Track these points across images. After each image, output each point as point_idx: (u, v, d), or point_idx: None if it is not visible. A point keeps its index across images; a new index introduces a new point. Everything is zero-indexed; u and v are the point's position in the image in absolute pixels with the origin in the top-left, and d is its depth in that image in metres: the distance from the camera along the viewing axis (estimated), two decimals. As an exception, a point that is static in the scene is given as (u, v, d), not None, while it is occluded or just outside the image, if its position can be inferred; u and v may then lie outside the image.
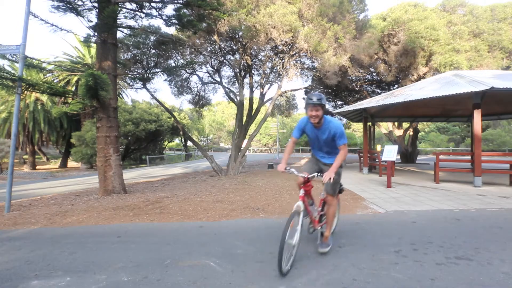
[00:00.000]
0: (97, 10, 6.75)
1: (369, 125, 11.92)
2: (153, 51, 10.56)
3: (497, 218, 4.37)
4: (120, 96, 23.67)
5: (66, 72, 15.82)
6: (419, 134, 25.98)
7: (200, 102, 14.70)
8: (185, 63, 10.79)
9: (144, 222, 4.66)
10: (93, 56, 20.49)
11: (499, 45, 13.12)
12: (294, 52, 10.66)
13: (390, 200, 5.85)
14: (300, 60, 12.20)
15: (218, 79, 13.13)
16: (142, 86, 10.06)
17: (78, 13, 6.37)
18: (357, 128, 38.56)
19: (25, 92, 9.06)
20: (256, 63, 12.97)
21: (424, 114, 13.21)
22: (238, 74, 12.26)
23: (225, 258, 3.01)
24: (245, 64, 11.76)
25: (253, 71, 12.86)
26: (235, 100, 12.56)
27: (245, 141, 12.59)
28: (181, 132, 21.57)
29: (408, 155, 16.03)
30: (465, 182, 7.84)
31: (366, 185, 7.82)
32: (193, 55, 11.83)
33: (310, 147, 3.29)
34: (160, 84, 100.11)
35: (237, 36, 11.02)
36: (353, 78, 15.51)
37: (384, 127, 16.29)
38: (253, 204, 5.61)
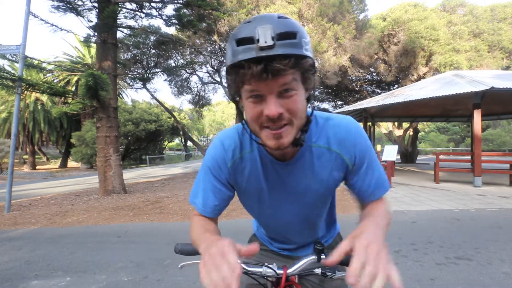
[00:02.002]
0: (97, 10, 6.76)
1: (369, 125, 11.92)
2: (153, 51, 10.58)
3: (497, 218, 4.37)
4: (120, 96, 23.66)
5: (66, 72, 15.82)
6: (419, 134, 25.99)
7: (200, 102, 14.73)
8: (185, 63, 10.81)
9: (144, 222, 4.66)
10: (93, 56, 20.48)
11: (499, 45, 13.13)
12: (294, 52, 10.68)
13: (390, 200, 5.85)
14: (300, 60, 12.22)
15: (218, 79, 13.15)
16: (142, 86, 10.07)
17: (78, 13, 6.37)
18: (357, 128, 38.49)
19: (25, 92, 9.06)
20: (256, 63, 12.99)
21: (424, 114, 13.21)
22: (238, 74, 12.29)
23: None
24: (245, 64, 11.78)
25: (253, 71, 12.88)
26: (235, 100, 12.58)
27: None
28: (181, 132, 21.58)
29: (408, 155, 16.02)
30: (465, 182, 7.83)
31: (366, 185, 7.81)
32: (193, 55, 11.85)
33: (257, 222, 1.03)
34: (160, 84, 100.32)
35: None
36: (353, 78, 15.53)
37: (384, 127, 16.29)
38: (253, 204, 5.61)
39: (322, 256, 0.70)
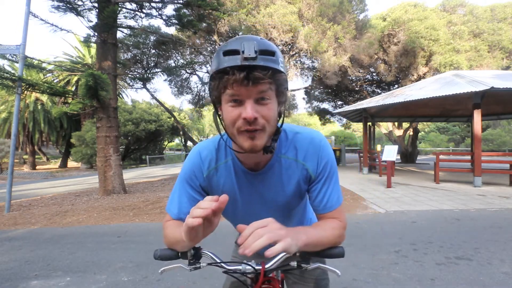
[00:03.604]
0: (97, 10, 6.75)
1: (369, 125, 11.92)
2: (153, 51, 10.58)
3: (497, 218, 4.37)
4: (120, 96, 23.65)
5: (66, 72, 15.82)
6: (419, 134, 25.98)
7: (200, 102, 14.73)
8: (185, 63, 10.81)
9: (144, 222, 4.66)
10: (93, 56, 20.48)
11: (499, 45, 13.13)
12: (294, 52, 10.67)
13: (390, 200, 5.85)
14: (300, 60, 12.22)
15: (218, 79, 13.16)
16: (142, 86, 10.07)
17: (78, 13, 6.37)
18: (357, 128, 38.57)
19: (25, 92, 9.06)
20: (256, 63, 13.03)
21: (424, 114, 13.21)
22: (238, 74, 12.32)
23: (225, 259, 3.00)
24: (245, 64, 11.81)
25: (253, 71, 12.92)
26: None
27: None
28: (181, 132, 21.59)
29: (408, 155, 16.02)
30: (465, 182, 7.83)
31: (366, 185, 7.82)
32: (193, 55, 11.85)
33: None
34: (160, 84, 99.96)
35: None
36: (353, 78, 15.52)
37: (384, 127, 16.29)
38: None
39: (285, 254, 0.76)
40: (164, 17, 7.70)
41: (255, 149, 0.70)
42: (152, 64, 10.69)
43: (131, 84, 10.80)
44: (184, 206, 0.85)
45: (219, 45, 11.35)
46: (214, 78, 0.69)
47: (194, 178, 0.86)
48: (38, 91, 6.54)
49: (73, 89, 19.04)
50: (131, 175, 13.80)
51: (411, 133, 16.25)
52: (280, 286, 0.89)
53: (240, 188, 0.86)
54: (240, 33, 10.37)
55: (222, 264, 0.78)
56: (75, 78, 19.60)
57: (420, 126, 24.61)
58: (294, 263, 0.77)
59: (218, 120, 0.75)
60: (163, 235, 0.83)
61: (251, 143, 0.69)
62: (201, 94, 14.53)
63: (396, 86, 15.11)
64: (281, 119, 0.78)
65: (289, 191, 0.85)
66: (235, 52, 0.64)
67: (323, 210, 0.84)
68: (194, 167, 0.86)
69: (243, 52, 0.63)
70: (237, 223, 0.93)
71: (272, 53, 0.66)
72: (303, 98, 18.82)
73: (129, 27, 8.04)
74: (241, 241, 0.59)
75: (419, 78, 13.45)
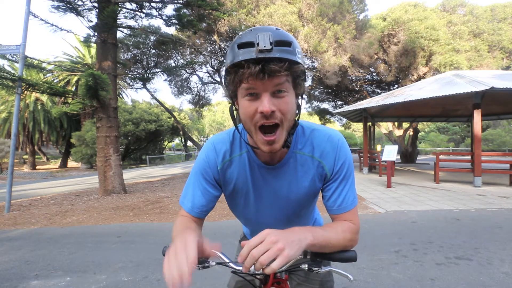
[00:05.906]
0: (97, 10, 6.75)
1: (369, 125, 11.91)
2: (153, 51, 10.59)
3: (497, 218, 4.37)
4: (120, 96, 23.64)
5: (66, 72, 15.81)
6: (419, 134, 25.95)
7: (200, 102, 14.74)
8: (185, 63, 10.81)
9: (144, 222, 4.66)
10: (93, 56, 20.47)
11: (499, 45, 13.14)
12: (294, 52, 10.70)
13: (390, 200, 5.85)
14: (300, 60, 12.25)
15: (218, 79, 13.17)
16: (142, 86, 10.08)
17: (78, 13, 6.37)
18: (357, 128, 38.56)
19: (25, 92, 9.06)
20: (256, 63, 13.05)
21: (424, 114, 13.21)
22: (238, 74, 12.34)
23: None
24: (245, 64, 11.82)
25: (253, 71, 12.94)
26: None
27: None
28: (181, 132, 21.59)
29: (408, 155, 16.02)
30: (465, 182, 7.83)
31: (366, 185, 7.82)
32: (193, 55, 11.85)
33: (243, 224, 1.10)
34: (160, 84, 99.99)
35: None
36: (353, 78, 15.53)
37: (384, 127, 16.29)
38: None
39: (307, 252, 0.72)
40: (164, 17, 7.70)
41: (274, 151, 0.70)
42: (152, 64, 10.70)
43: (131, 84, 10.82)
44: (197, 200, 0.84)
45: (219, 45, 11.38)
46: (230, 72, 0.67)
47: (209, 171, 0.84)
48: (38, 91, 6.54)
49: (73, 89, 19.03)
50: (131, 175, 13.79)
51: (411, 133, 16.24)
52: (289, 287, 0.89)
53: (254, 181, 0.84)
54: (240, 33, 10.40)
55: (231, 264, 0.76)
56: (75, 78, 19.59)
57: (420, 126, 24.60)
58: (305, 266, 0.75)
59: (235, 113, 0.75)
60: (173, 230, 0.82)
61: (269, 148, 0.69)
62: (201, 94, 14.55)
63: (396, 86, 15.12)
64: (299, 112, 0.75)
65: (303, 188, 0.83)
66: (250, 45, 0.63)
67: (337, 210, 0.81)
68: (209, 160, 0.84)
69: (258, 44, 0.61)
70: (247, 219, 0.96)
71: (288, 44, 0.64)
72: (303, 98, 18.81)
73: (129, 27, 8.04)
74: (241, 261, 0.60)
75: (419, 78, 13.45)
